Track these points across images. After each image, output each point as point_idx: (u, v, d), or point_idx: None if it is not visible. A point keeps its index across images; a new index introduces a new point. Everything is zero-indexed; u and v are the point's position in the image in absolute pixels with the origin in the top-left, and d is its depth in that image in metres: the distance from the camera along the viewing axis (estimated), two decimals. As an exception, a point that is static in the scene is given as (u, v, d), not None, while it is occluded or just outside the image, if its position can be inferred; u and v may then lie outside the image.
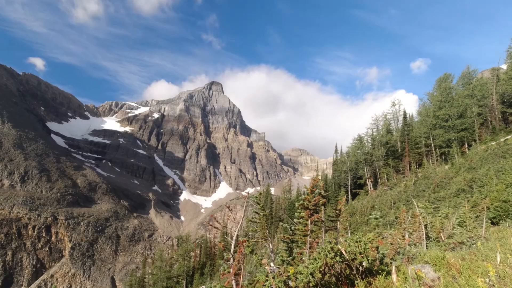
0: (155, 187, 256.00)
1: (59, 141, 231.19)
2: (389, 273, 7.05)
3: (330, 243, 7.67)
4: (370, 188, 70.91)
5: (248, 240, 8.70)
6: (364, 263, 7.35)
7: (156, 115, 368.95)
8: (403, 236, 17.48)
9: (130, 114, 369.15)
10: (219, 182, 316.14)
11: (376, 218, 20.88)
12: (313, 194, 11.22)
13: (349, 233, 26.95)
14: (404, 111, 78.13)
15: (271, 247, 10.04)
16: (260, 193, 10.85)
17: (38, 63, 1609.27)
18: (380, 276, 6.99)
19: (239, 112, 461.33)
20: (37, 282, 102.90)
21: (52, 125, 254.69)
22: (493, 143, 50.16)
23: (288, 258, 9.69)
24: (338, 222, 12.81)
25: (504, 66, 71.19)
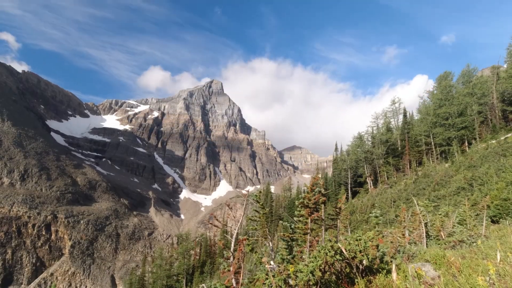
0: (155, 186, 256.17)
1: (59, 139, 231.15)
2: (389, 271, 7.04)
3: (330, 241, 7.65)
4: (370, 187, 70.96)
5: (248, 239, 8.69)
6: (364, 262, 7.33)
7: (156, 114, 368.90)
8: (403, 235, 17.49)
9: (130, 113, 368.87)
10: (219, 181, 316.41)
11: (376, 217, 20.87)
12: (313, 193, 11.20)
13: (349, 232, 26.97)
14: (404, 109, 78.09)
15: (271, 245, 10.03)
16: (260, 192, 10.84)
17: (9, 39, 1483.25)
18: (380, 274, 6.97)
19: (239, 110, 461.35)
20: (37, 280, 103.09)
21: (52, 123, 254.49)
22: (493, 141, 50.17)
23: (288, 257, 9.68)
24: (338, 221, 12.81)
25: (505, 65, 71.13)
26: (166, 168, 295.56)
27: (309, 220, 11.10)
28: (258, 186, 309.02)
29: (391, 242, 16.87)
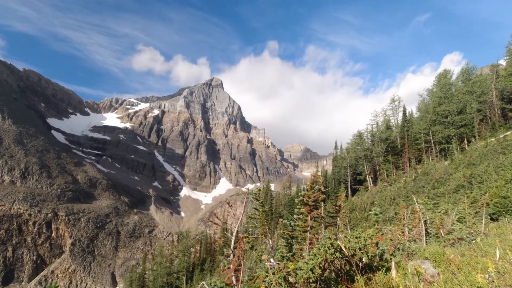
0: (155, 183, 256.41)
1: (60, 137, 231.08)
2: (388, 269, 7.06)
3: (330, 239, 7.67)
4: (370, 184, 71.00)
5: (248, 236, 8.72)
6: (363, 259, 7.36)
7: (156, 111, 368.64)
8: (403, 232, 17.54)
9: (130, 110, 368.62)
10: (219, 178, 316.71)
11: (376, 214, 20.92)
12: (313, 190, 11.23)
13: (348, 229, 27.02)
14: (404, 107, 78.06)
15: (271, 243, 10.06)
16: (259, 189, 10.86)
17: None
18: (380, 272, 6.99)
19: (239, 108, 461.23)
20: (37, 278, 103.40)
21: (53, 121, 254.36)
22: (493, 139, 50.18)
23: (288, 254, 9.72)
24: (338, 218, 12.84)
25: (504, 63, 71.00)
26: (167, 166, 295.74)
27: (308, 218, 11.13)
28: (258, 184, 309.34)
29: (391, 239, 16.93)
